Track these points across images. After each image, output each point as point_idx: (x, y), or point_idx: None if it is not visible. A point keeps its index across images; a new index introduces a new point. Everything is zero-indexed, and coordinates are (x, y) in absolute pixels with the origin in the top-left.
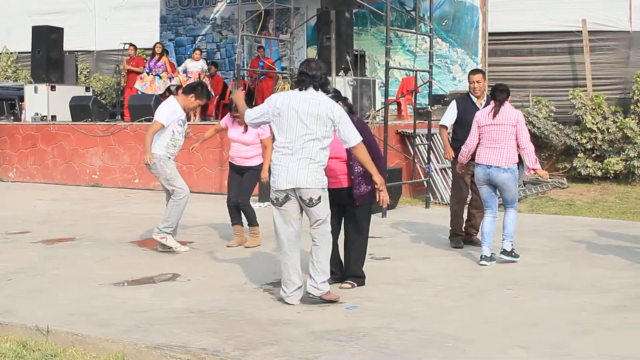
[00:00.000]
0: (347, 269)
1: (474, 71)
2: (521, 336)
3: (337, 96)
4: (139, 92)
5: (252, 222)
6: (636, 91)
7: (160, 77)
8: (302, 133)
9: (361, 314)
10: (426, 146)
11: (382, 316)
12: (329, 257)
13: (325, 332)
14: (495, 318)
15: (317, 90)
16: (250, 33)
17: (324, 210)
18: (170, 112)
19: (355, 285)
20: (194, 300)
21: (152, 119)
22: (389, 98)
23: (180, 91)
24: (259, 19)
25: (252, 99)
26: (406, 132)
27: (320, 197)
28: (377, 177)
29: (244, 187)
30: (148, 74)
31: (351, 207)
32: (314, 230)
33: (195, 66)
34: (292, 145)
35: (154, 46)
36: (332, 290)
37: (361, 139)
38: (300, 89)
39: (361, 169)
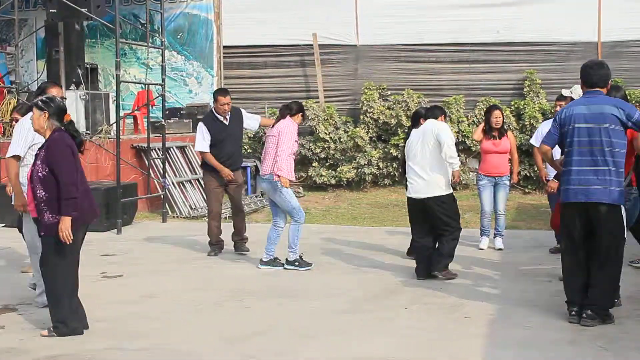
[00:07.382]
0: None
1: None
2: (251, 346)
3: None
4: None
5: None
6: (364, 102)
7: None
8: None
9: (89, 336)
10: (162, 160)
11: (113, 337)
12: None
13: (49, 358)
14: (226, 330)
15: None
16: None
17: None
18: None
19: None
20: None
21: None
22: (126, 112)
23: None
24: None
25: None
26: (141, 146)
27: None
28: None
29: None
30: None
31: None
32: None
33: None
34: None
35: None
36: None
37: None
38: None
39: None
